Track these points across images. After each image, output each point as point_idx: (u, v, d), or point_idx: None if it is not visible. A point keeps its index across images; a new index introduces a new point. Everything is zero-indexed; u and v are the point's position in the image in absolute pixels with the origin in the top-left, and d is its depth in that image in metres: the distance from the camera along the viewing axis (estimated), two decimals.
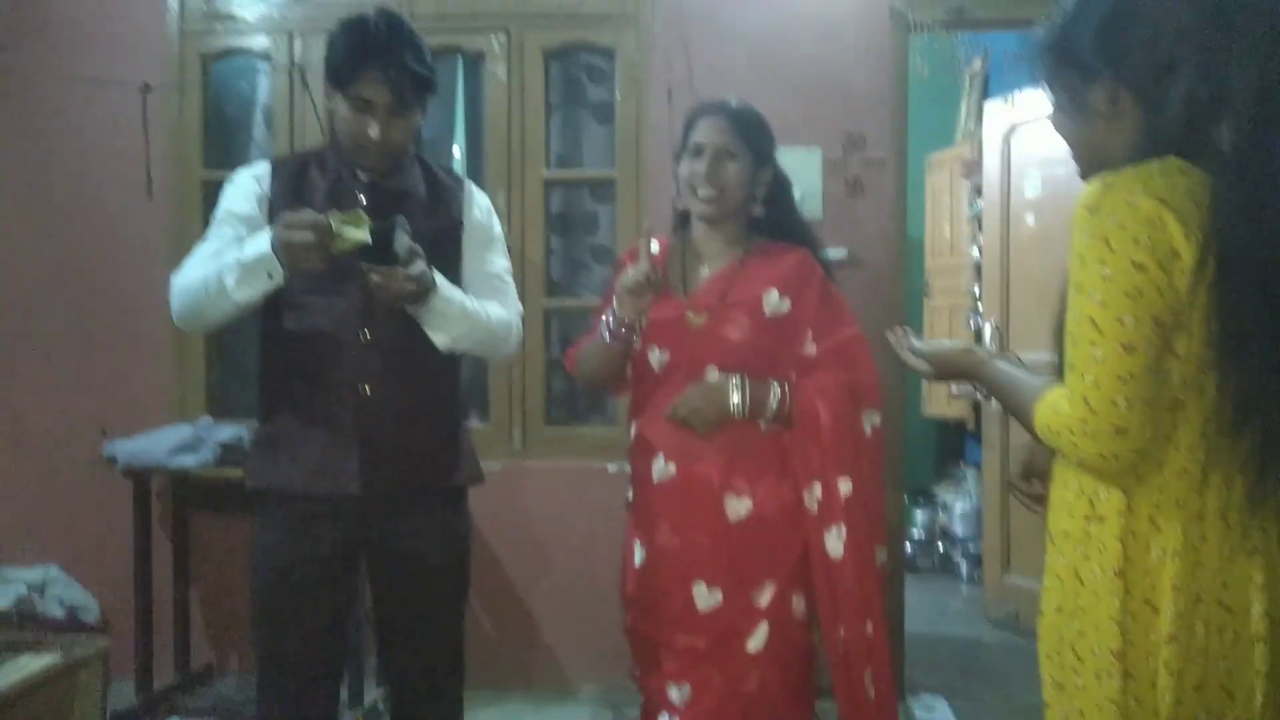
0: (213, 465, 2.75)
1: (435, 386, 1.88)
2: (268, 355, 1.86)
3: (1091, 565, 1.16)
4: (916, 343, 1.51)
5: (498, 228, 2.01)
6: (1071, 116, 1.25)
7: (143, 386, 3.17)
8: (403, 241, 1.62)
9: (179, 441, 2.77)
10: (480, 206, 1.97)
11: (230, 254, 1.67)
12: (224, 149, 3.28)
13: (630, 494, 1.94)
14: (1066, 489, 1.23)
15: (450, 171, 2.01)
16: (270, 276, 1.64)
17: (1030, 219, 3.81)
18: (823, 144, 3.03)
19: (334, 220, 1.58)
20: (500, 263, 1.99)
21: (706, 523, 1.78)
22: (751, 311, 1.80)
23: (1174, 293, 1.09)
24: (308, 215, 1.60)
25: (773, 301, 1.81)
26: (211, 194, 3.16)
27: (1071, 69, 1.23)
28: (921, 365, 1.48)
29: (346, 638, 1.94)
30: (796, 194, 2.10)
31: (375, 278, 1.62)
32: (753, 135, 1.85)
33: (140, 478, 2.89)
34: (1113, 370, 1.09)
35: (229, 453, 2.75)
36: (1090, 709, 1.16)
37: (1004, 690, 3.26)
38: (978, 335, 4.09)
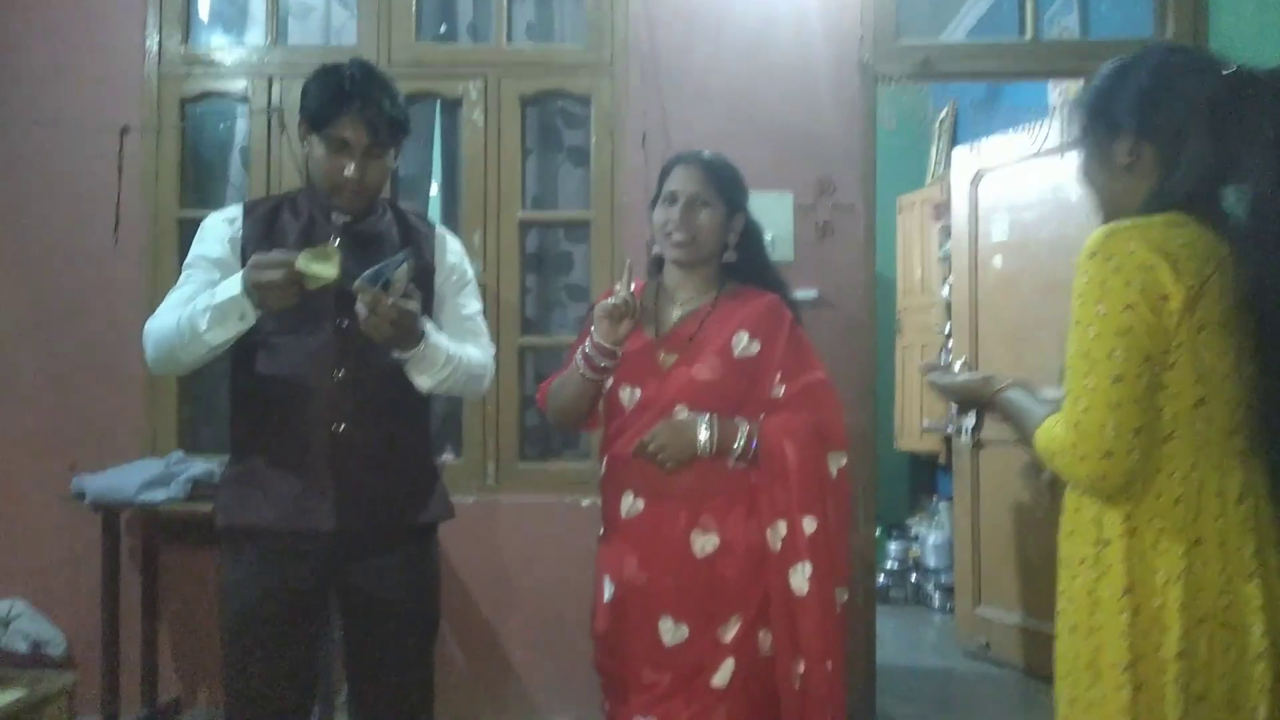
0: (182, 500, 2.76)
1: (407, 425, 1.91)
2: (239, 394, 1.88)
3: (1104, 586, 1.27)
4: (940, 376, 1.61)
5: (470, 271, 2.04)
6: (1098, 168, 1.41)
7: (114, 421, 3.17)
8: (402, 275, 1.66)
9: (149, 476, 2.77)
10: (453, 250, 2.01)
11: (202, 299, 1.69)
12: (201, 191, 3.30)
13: (601, 529, 1.97)
14: (1079, 515, 1.34)
15: (422, 217, 2.05)
16: (242, 318, 1.66)
17: (997, 261, 3.90)
18: (794, 189, 3.10)
19: (302, 258, 1.60)
20: (474, 305, 2.03)
21: (673, 559, 1.81)
22: (721, 352, 1.84)
23: (1163, 332, 1.22)
24: (276, 254, 1.63)
25: (742, 343, 1.85)
26: (188, 234, 3.19)
27: (1102, 124, 1.38)
28: (946, 395, 1.60)
29: (316, 673, 1.94)
30: (768, 237, 2.17)
31: (362, 302, 1.64)
32: (725, 185, 1.91)
33: (109, 512, 2.88)
34: (1103, 399, 1.22)
35: (200, 487, 2.75)
36: None
37: (975, 717, 3.29)
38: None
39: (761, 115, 3.12)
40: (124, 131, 3.11)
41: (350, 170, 1.78)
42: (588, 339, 1.84)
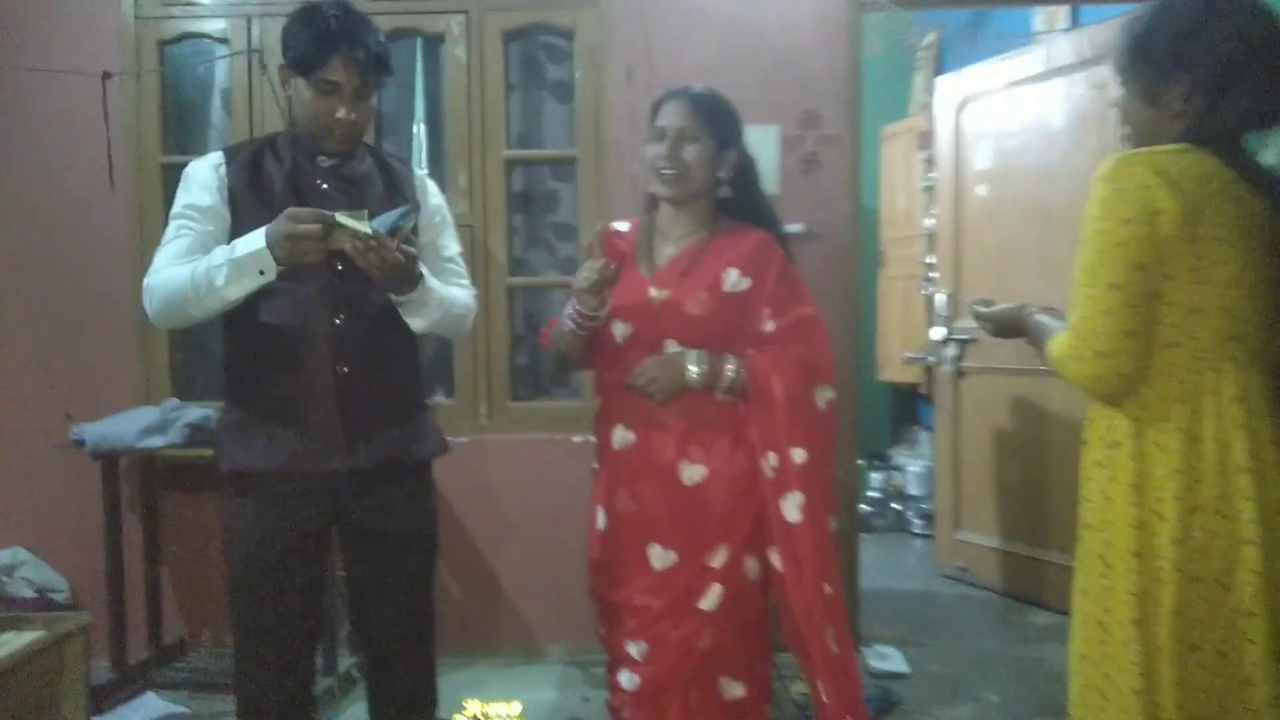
0: (181, 446, 2.79)
1: (402, 365, 1.95)
2: (237, 343, 1.89)
3: (1114, 485, 1.40)
4: (980, 308, 1.74)
5: (448, 212, 2.06)
6: (1139, 104, 1.45)
7: (107, 371, 3.18)
8: (410, 223, 1.72)
9: (147, 424, 2.79)
10: (434, 193, 2.03)
11: (219, 254, 1.71)
12: (183, 135, 3.27)
13: (596, 463, 2.03)
14: (1094, 426, 1.47)
15: (401, 159, 2.06)
16: (262, 273, 1.68)
17: (981, 190, 3.92)
18: (780, 121, 3.10)
19: (339, 216, 1.64)
20: (454, 246, 2.06)
21: (662, 488, 1.87)
22: (711, 288, 1.87)
23: (1157, 243, 1.32)
24: (312, 210, 1.66)
25: (732, 279, 1.88)
26: (171, 179, 3.17)
27: (1146, 61, 1.42)
28: (985, 324, 1.72)
29: (321, 608, 2.01)
30: None
31: (364, 243, 1.65)
32: (714, 119, 1.91)
33: (109, 459, 2.91)
34: (1098, 305, 1.34)
35: (197, 433, 2.78)
36: (1115, 605, 1.39)
37: (954, 637, 3.43)
38: (930, 303, 4.21)
39: (748, 46, 3.10)
40: (106, 77, 3.06)
41: (343, 113, 1.79)
42: (571, 304, 1.87)
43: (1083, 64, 3.43)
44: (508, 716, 1.19)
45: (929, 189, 4.44)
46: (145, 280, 1.79)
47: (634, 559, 1.89)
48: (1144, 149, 1.37)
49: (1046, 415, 3.65)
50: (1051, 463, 3.63)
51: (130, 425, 2.80)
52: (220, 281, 1.69)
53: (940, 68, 4.72)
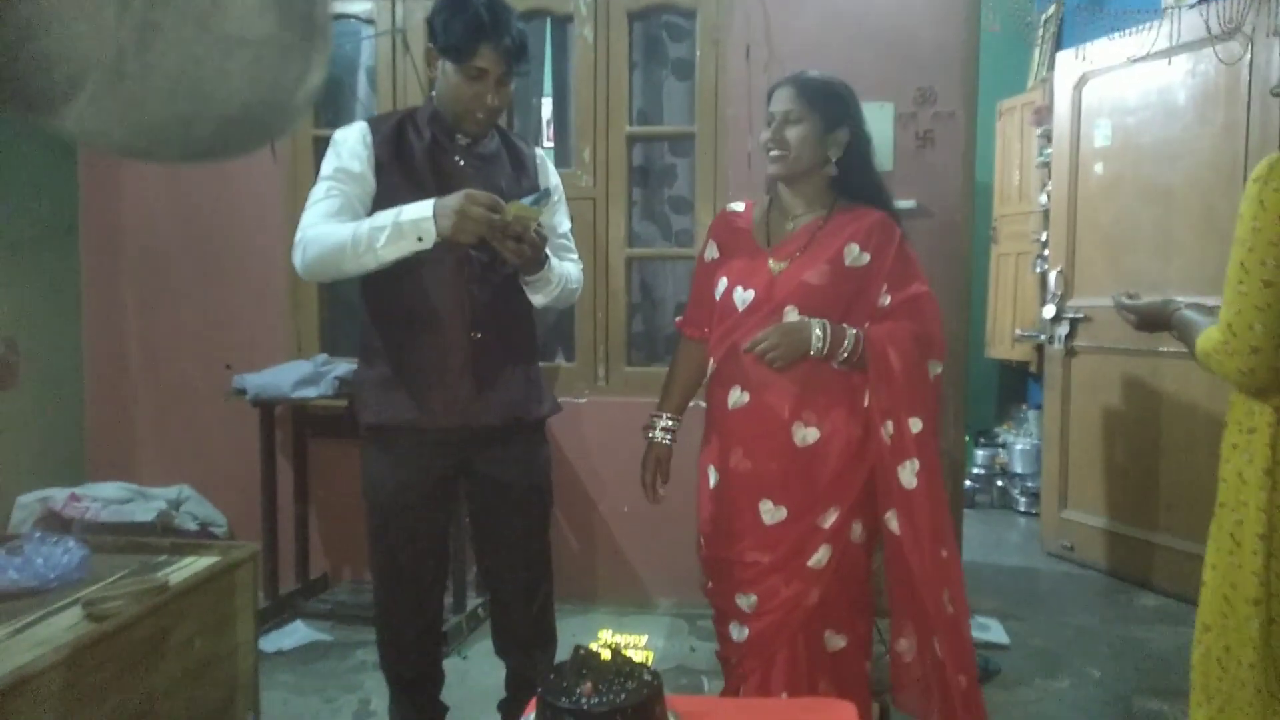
0: (331, 397, 3.05)
1: (524, 332, 2.11)
2: (379, 305, 2.01)
3: (1250, 467, 1.44)
4: (1125, 300, 1.76)
5: (562, 190, 2.19)
6: None
7: (263, 327, 3.48)
8: (541, 208, 1.87)
9: (301, 376, 3.07)
10: (551, 172, 2.16)
11: (381, 216, 1.84)
12: (331, 109, 3.51)
13: (705, 428, 2.14)
14: (1234, 410, 1.50)
15: (523, 138, 2.20)
16: (420, 240, 1.80)
17: (1099, 168, 3.87)
18: (895, 99, 3.15)
19: (512, 206, 1.80)
20: (566, 223, 2.20)
21: (776, 447, 1.95)
22: (832, 260, 1.95)
23: None
24: (488, 195, 1.80)
25: (853, 254, 1.96)
26: (321, 151, 3.41)
27: None
28: (1129, 316, 1.74)
29: (448, 551, 2.18)
30: None
31: (517, 243, 1.82)
32: (819, 100, 1.97)
33: (266, 408, 3.20)
34: (1252, 302, 1.37)
35: (345, 386, 3.03)
36: (1241, 581, 1.45)
37: (1056, 613, 3.43)
38: (1043, 281, 4.18)
39: (863, 24, 3.15)
40: None
41: (491, 99, 1.92)
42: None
43: (1210, 40, 3.36)
44: (636, 647, 1.33)
45: (1045, 165, 4.39)
46: (298, 235, 1.90)
47: (746, 515, 1.98)
48: None
49: (1160, 396, 3.61)
50: (1164, 444, 3.59)
51: (286, 377, 3.08)
52: (380, 242, 1.80)
53: (1060, 42, 4.63)
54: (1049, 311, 4.03)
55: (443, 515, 2.10)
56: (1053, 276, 4.03)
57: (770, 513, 1.96)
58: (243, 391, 3.11)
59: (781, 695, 1.94)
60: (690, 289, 2.19)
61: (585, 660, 1.27)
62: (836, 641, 1.98)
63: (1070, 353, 3.99)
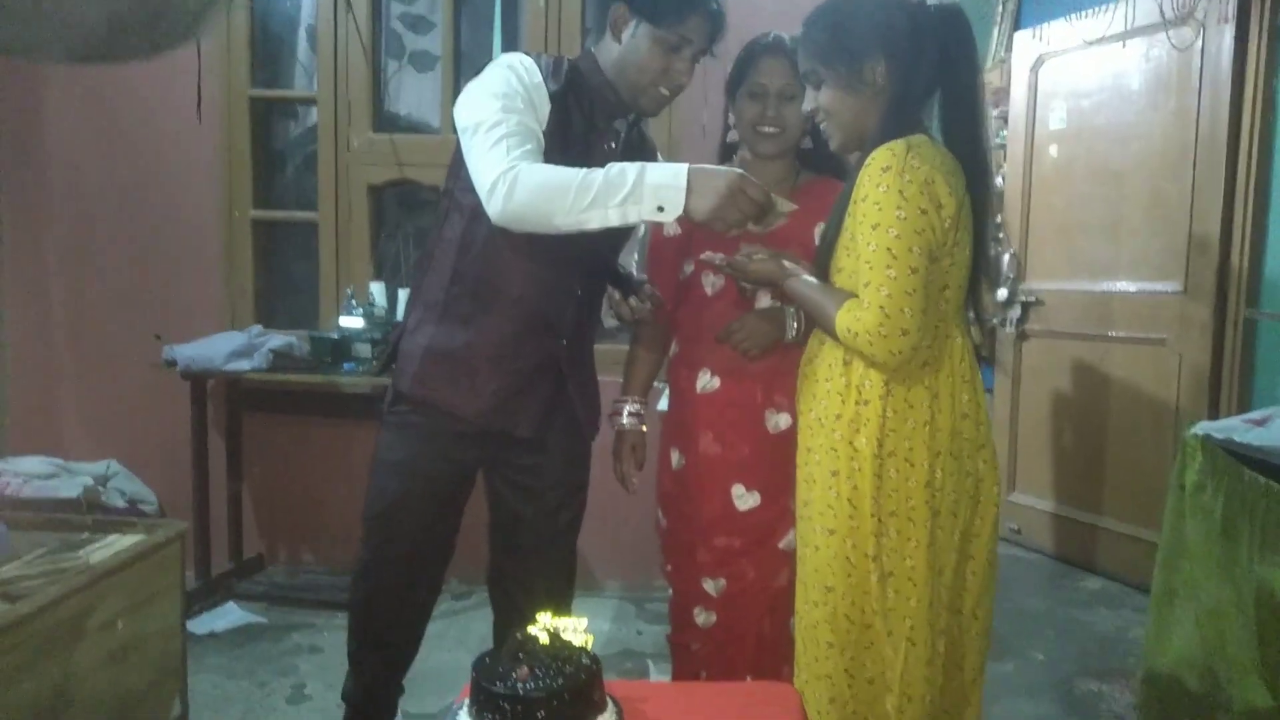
0: (264, 370, 2.94)
1: (591, 351, 1.99)
2: (477, 282, 1.80)
3: (861, 438, 1.54)
4: (737, 261, 1.72)
5: None
6: (843, 96, 1.58)
7: (194, 296, 3.33)
8: None
9: (234, 348, 2.95)
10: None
11: (620, 169, 1.55)
12: (269, 69, 3.37)
13: (664, 405, 2.09)
14: (832, 382, 1.59)
15: (646, 133, 2.03)
16: (660, 210, 1.54)
17: (1053, 150, 3.87)
18: None
19: (777, 201, 1.63)
20: None
21: (748, 433, 1.91)
22: (805, 243, 1.86)
23: (940, 232, 1.49)
24: (762, 186, 1.60)
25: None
26: (259, 112, 3.29)
27: (844, 55, 1.56)
28: (737, 273, 1.73)
29: (454, 545, 2.01)
30: None
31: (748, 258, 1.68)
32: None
33: (197, 380, 3.07)
34: (902, 287, 1.46)
35: (280, 359, 2.93)
36: (860, 540, 1.55)
37: (1001, 597, 3.31)
38: (996, 264, 4.18)
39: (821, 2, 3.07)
40: None
41: (684, 75, 1.73)
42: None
43: (1164, 24, 3.36)
44: (575, 631, 1.27)
45: (1000, 147, 4.38)
46: (500, 168, 1.59)
47: (716, 500, 1.93)
48: (906, 140, 1.48)
49: (1108, 381, 3.63)
50: (1110, 429, 3.62)
51: (218, 349, 2.96)
52: (615, 200, 1.53)
53: (1019, 22, 4.62)
54: (1002, 294, 4.03)
55: (456, 508, 1.96)
56: (1006, 259, 4.03)
57: (742, 498, 1.92)
58: (173, 363, 2.98)
59: (746, 679, 1.92)
60: (647, 267, 2.06)
61: (522, 644, 1.22)
62: None
63: (1021, 336, 4.00)
